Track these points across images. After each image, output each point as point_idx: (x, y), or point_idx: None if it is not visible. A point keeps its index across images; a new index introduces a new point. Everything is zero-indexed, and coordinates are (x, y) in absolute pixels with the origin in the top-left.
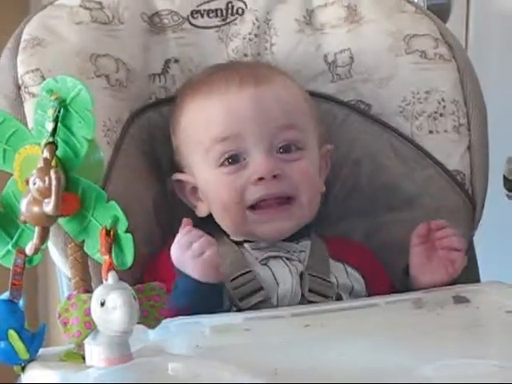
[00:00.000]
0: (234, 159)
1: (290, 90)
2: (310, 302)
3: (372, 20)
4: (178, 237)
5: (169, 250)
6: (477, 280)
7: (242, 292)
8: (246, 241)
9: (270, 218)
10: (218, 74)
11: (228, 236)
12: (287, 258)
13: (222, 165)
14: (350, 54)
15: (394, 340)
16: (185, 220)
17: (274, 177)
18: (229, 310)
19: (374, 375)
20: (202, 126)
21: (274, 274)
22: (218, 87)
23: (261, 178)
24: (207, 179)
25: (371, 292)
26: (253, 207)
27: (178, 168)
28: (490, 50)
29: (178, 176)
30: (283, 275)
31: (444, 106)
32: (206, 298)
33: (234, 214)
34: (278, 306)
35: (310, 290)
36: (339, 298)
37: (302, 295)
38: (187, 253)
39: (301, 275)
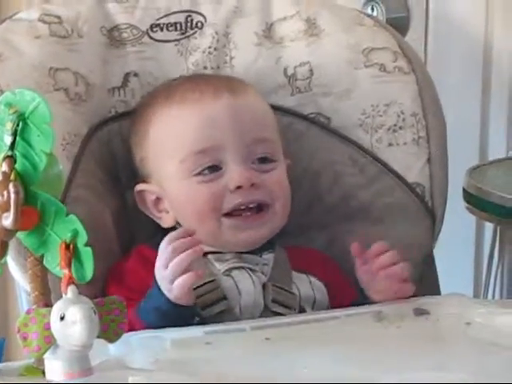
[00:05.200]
0: (210, 169)
1: (260, 103)
2: (274, 313)
3: (331, 33)
4: (163, 244)
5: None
6: (437, 292)
7: (205, 301)
8: (209, 252)
9: (246, 225)
10: (191, 83)
11: None
12: (250, 269)
13: (198, 174)
14: (309, 67)
15: (354, 353)
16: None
17: (252, 185)
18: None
19: None
20: (176, 137)
21: (236, 284)
22: (191, 95)
23: (239, 187)
24: (179, 189)
25: (335, 304)
26: (228, 214)
27: (140, 179)
28: (449, 63)
29: (141, 186)
30: (246, 286)
31: (403, 119)
32: (176, 320)
33: (210, 222)
34: (241, 317)
35: (273, 301)
36: (302, 311)
37: (265, 306)
38: (164, 273)
39: (263, 286)
